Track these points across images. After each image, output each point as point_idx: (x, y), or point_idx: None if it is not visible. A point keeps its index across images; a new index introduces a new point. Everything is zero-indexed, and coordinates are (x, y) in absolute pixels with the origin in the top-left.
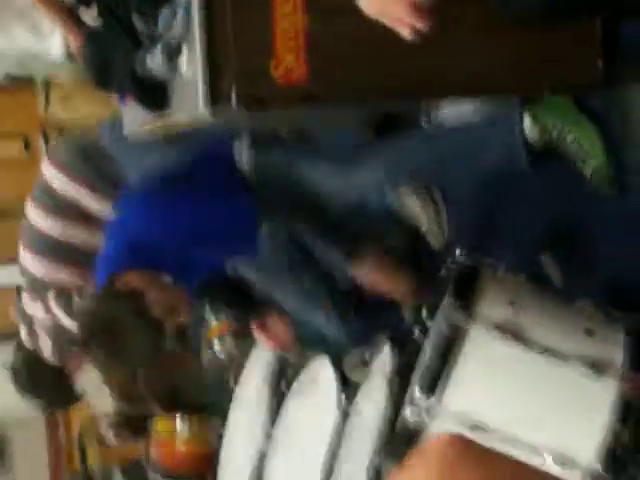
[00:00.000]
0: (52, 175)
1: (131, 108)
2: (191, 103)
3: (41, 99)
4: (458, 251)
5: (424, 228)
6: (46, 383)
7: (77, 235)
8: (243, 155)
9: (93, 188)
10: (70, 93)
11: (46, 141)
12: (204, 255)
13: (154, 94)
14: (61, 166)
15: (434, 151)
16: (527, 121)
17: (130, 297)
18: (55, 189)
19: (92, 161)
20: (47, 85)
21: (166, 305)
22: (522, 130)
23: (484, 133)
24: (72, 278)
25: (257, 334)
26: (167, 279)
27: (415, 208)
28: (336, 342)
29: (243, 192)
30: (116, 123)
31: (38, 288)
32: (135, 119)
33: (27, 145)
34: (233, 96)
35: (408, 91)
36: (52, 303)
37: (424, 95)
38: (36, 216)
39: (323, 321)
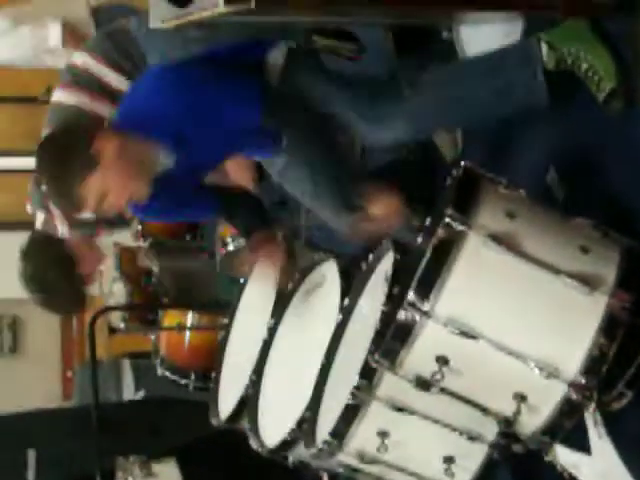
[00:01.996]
0: (76, 56)
1: (157, 2)
2: (212, 0)
3: None
4: (463, 162)
5: (439, 140)
6: (60, 285)
7: (96, 107)
8: (277, 57)
9: (114, 65)
10: None
11: None
12: (203, 140)
13: None
14: (86, 48)
15: (460, 102)
16: (544, 49)
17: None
18: (77, 65)
19: (116, 41)
20: None
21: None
22: (541, 62)
23: (507, 77)
24: None
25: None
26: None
27: None
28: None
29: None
30: (143, 15)
31: None
32: (161, 13)
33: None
34: None
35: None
36: None
37: (442, 8)
38: (57, 96)
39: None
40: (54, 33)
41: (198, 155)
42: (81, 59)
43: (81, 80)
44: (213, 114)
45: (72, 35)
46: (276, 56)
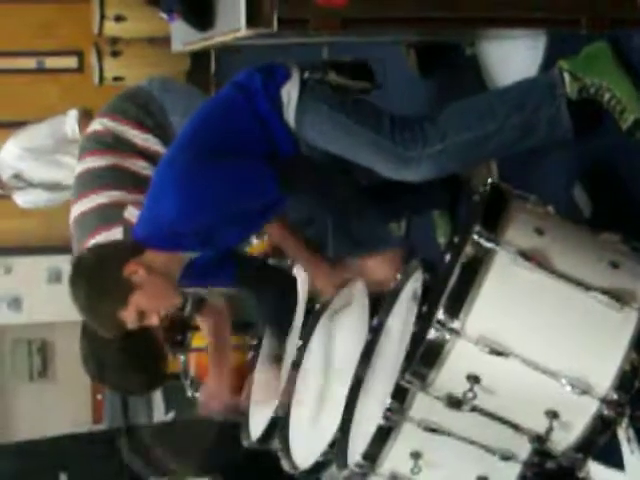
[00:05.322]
0: (95, 123)
1: (179, 26)
2: (234, 23)
3: (96, 16)
4: (490, 180)
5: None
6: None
7: (128, 164)
8: (290, 91)
9: (136, 123)
10: (123, 10)
11: (99, 57)
12: (227, 232)
13: (200, 13)
14: (104, 112)
15: (484, 141)
16: (567, 79)
17: None
18: (98, 131)
19: (134, 100)
20: (102, 2)
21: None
22: (565, 94)
23: (531, 115)
24: (131, 196)
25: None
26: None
27: None
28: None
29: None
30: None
31: (111, 216)
32: (182, 37)
33: (81, 60)
34: (274, 18)
35: (446, 20)
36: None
37: (463, 26)
38: (86, 164)
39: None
40: (70, 121)
41: (223, 242)
42: (101, 124)
43: (106, 142)
44: (233, 210)
45: (89, 121)
46: (289, 91)
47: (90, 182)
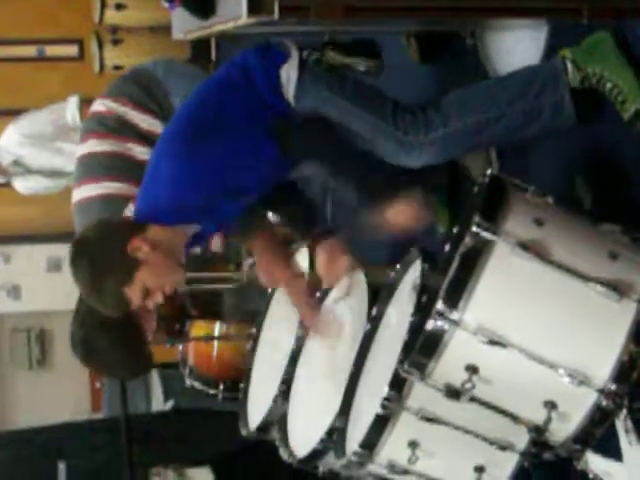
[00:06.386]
0: (97, 103)
1: (180, 14)
2: (235, 11)
3: (97, 4)
4: (489, 171)
5: (470, 161)
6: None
7: (128, 149)
8: (289, 72)
9: (139, 106)
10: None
11: (99, 45)
12: (227, 203)
13: (201, 1)
14: (107, 94)
15: (487, 127)
16: (570, 68)
17: None
18: (102, 112)
19: (137, 81)
20: None
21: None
22: (568, 83)
23: (535, 101)
24: (134, 189)
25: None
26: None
27: None
28: None
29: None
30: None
31: (113, 209)
32: (183, 25)
33: (81, 48)
34: (276, 5)
35: (448, 9)
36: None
37: (465, 16)
38: (88, 147)
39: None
40: (71, 107)
41: (224, 214)
42: (105, 105)
43: (108, 125)
44: (231, 185)
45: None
46: (288, 71)
47: (94, 168)
